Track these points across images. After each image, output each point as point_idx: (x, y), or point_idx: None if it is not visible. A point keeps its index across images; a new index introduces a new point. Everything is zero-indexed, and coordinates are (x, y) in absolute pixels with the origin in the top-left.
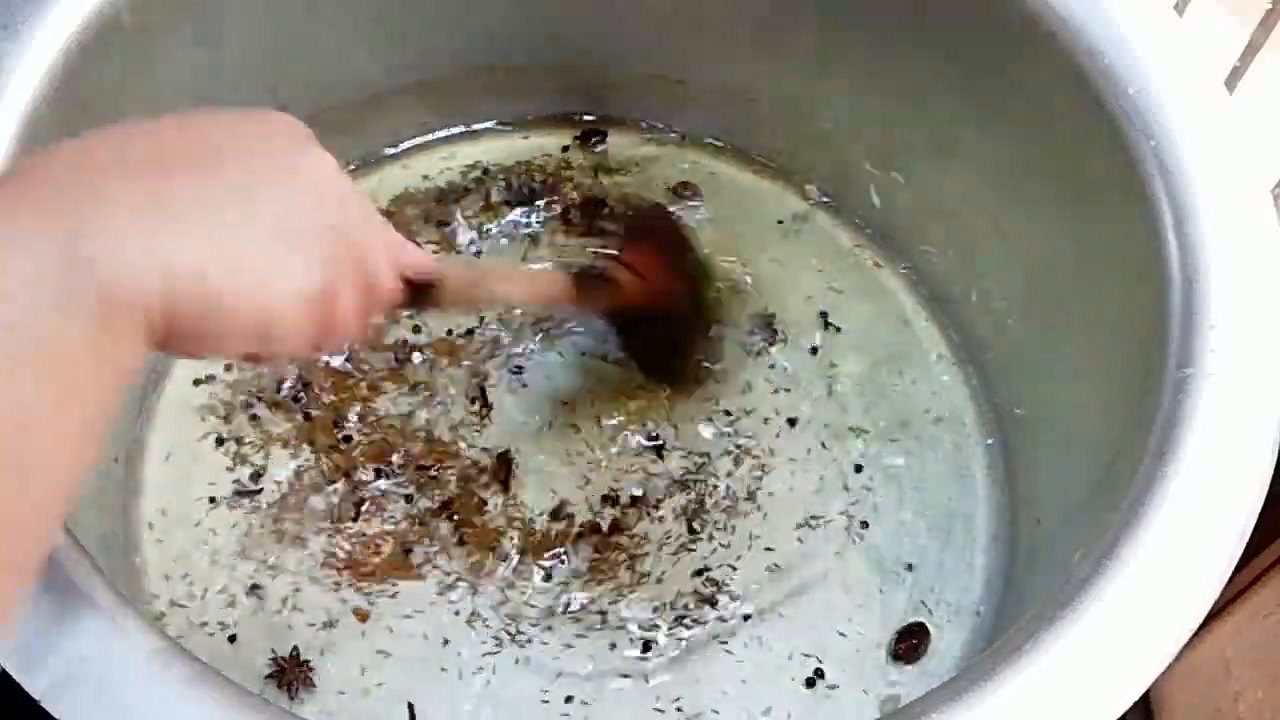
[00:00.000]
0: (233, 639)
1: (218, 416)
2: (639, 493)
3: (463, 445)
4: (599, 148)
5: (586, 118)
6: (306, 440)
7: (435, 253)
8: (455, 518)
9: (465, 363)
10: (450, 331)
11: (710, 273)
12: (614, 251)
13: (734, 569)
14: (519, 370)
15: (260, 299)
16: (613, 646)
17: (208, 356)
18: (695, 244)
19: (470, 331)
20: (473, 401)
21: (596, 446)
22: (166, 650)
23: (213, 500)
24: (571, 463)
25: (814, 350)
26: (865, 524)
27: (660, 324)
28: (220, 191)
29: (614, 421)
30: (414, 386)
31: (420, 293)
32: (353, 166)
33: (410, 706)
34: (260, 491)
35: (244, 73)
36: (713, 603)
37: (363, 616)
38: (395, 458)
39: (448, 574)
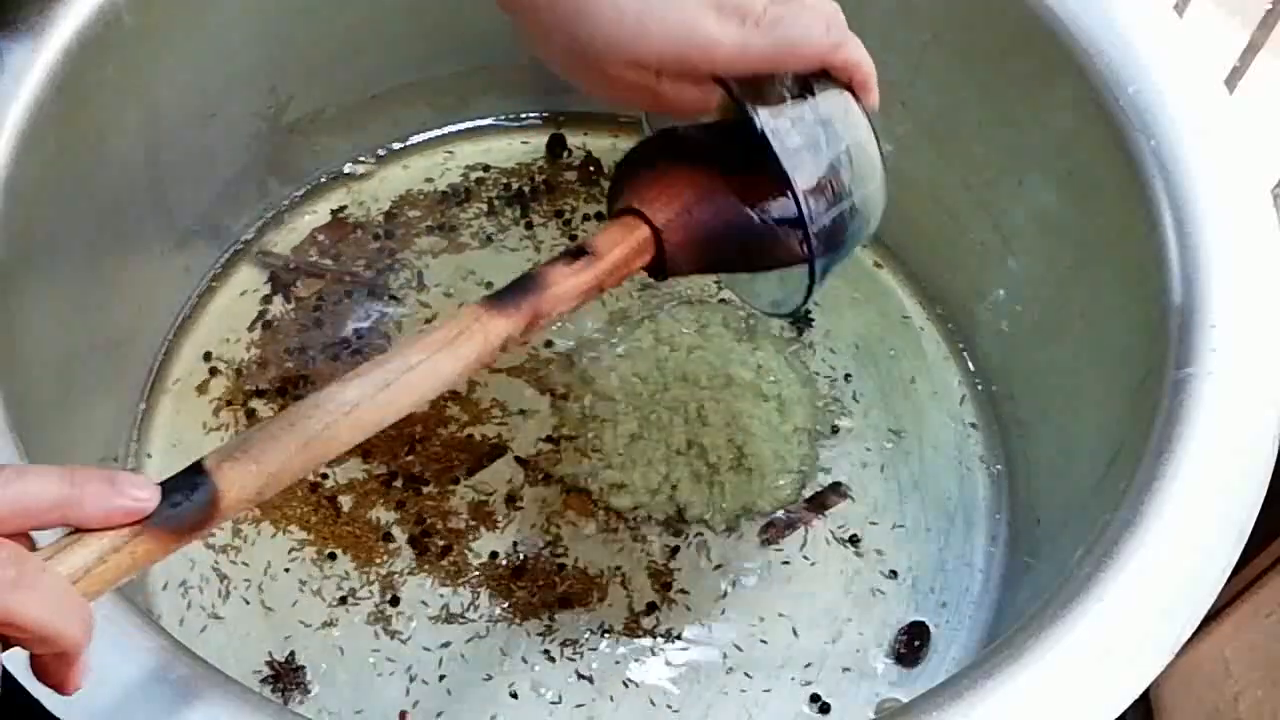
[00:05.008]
0: (230, 640)
1: (218, 414)
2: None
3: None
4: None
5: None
6: None
7: (439, 254)
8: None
9: None
10: None
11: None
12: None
13: (733, 570)
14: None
15: None
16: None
17: None
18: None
19: None
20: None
21: None
22: (166, 649)
23: None
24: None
25: (813, 350)
26: (865, 523)
27: (740, 233)
28: None
29: None
30: None
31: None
32: (353, 166)
33: (402, 715)
34: None
35: (244, 73)
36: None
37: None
38: (398, 458)
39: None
